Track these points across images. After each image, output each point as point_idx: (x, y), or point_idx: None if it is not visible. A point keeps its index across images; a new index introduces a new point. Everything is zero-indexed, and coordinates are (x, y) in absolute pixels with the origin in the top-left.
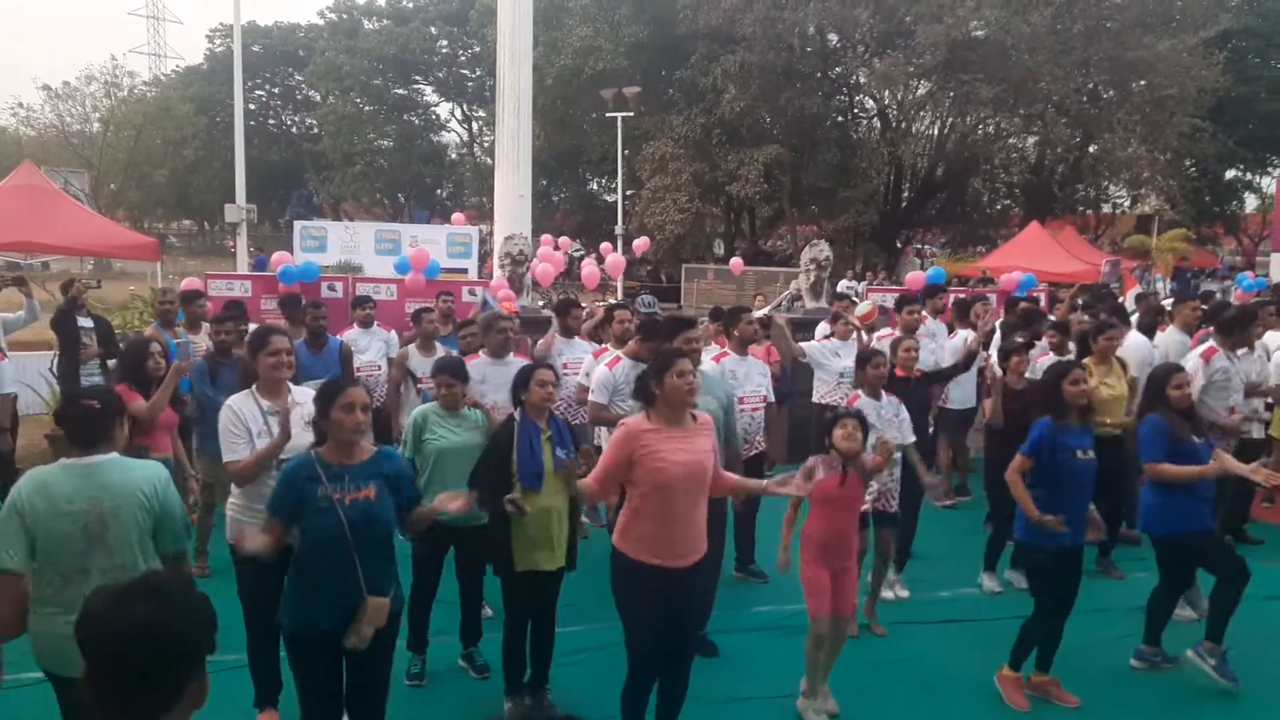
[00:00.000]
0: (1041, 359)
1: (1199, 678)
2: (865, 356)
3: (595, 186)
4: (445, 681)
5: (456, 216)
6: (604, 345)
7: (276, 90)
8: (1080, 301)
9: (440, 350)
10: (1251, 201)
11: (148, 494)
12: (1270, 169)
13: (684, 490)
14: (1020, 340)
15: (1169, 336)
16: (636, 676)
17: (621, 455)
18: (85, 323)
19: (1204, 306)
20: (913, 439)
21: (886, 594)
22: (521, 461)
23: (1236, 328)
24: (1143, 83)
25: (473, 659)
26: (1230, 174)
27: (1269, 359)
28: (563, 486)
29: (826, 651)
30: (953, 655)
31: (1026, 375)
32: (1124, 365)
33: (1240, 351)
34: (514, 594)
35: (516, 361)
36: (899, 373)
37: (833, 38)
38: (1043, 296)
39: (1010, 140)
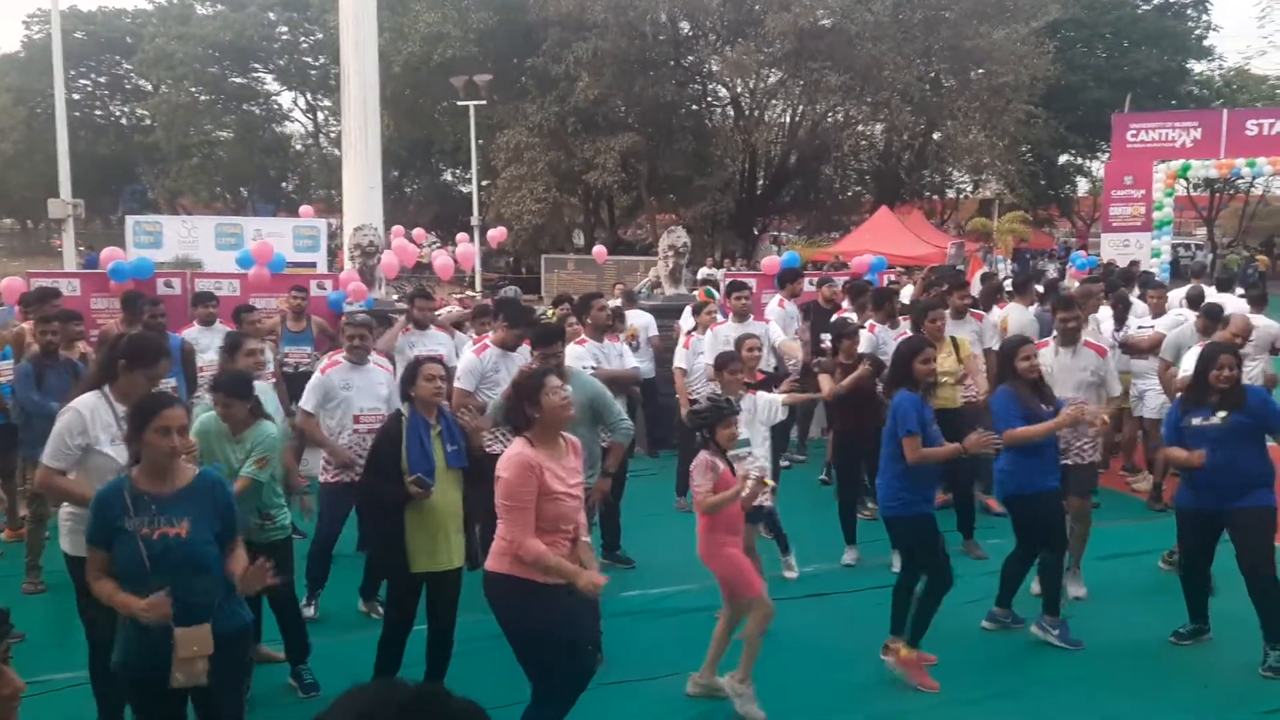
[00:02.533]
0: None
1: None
2: (723, 361)
3: (449, 177)
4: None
5: (305, 209)
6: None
7: (103, 79)
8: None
9: (265, 351)
10: (1083, 185)
11: None
12: (1099, 154)
13: (575, 516)
14: (851, 324)
15: (1014, 313)
16: (562, 701)
17: (533, 488)
18: None
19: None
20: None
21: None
22: (412, 458)
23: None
24: (980, 71)
25: (301, 677)
26: (1063, 159)
27: (1100, 331)
28: (455, 483)
29: (720, 636)
30: (819, 627)
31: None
32: (956, 344)
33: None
34: (401, 596)
35: (375, 368)
36: (743, 377)
37: (684, 25)
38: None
39: (859, 128)
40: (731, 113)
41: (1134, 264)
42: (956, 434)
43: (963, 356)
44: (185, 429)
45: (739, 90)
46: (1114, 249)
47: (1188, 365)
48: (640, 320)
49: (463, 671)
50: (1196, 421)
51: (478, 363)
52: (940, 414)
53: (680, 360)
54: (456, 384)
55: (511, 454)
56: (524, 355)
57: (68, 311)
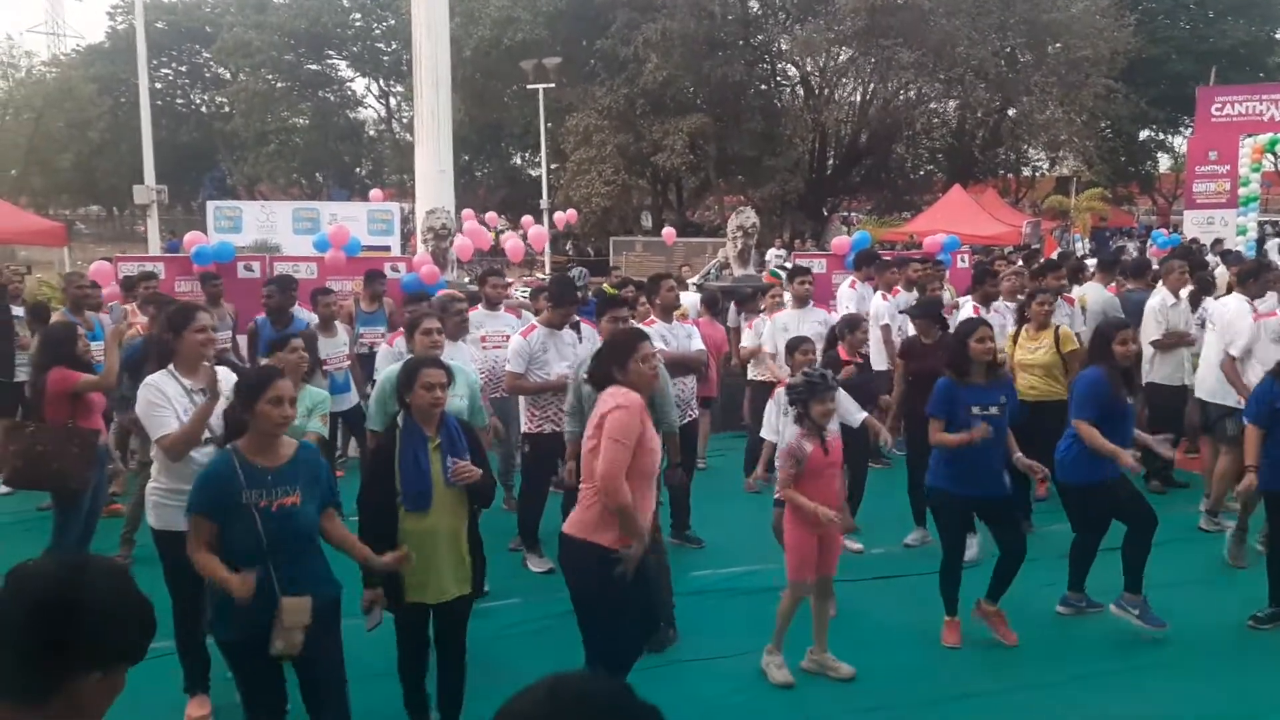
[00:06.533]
0: None
1: (1124, 622)
2: (794, 345)
3: (519, 161)
4: None
5: (375, 193)
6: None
7: (184, 68)
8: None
9: (341, 333)
10: (1165, 161)
11: None
12: (1182, 129)
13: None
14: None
15: (1091, 291)
16: (618, 671)
17: (638, 429)
18: (18, 311)
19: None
20: (860, 416)
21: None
22: (405, 478)
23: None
24: (1058, 45)
25: None
26: (1144, 134)
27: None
28: (457, 503)
29: (817, 613)
30: (888, 609)
31: None
32: (1059, 335)
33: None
34: (402, 624)
35: (462, 345)
36: (843, 355)
37: (754, 5)
38: (967, 258)
39: (931, 105)
40: (801, 92)
41: (1218, 241)
42: (1055, 426)
43: (1065, 351)
44: (295, 400)
45: (809, 69)
46: (1197, 227)
47: None
48: (689, 302)
49: (500, 657)
50: None
51: (525, 345)
52: (1035, 403)
53: (745, 340)
54: (507, 367)
55: (625, 395)
56: (571, 334)
57: (160, 295)
